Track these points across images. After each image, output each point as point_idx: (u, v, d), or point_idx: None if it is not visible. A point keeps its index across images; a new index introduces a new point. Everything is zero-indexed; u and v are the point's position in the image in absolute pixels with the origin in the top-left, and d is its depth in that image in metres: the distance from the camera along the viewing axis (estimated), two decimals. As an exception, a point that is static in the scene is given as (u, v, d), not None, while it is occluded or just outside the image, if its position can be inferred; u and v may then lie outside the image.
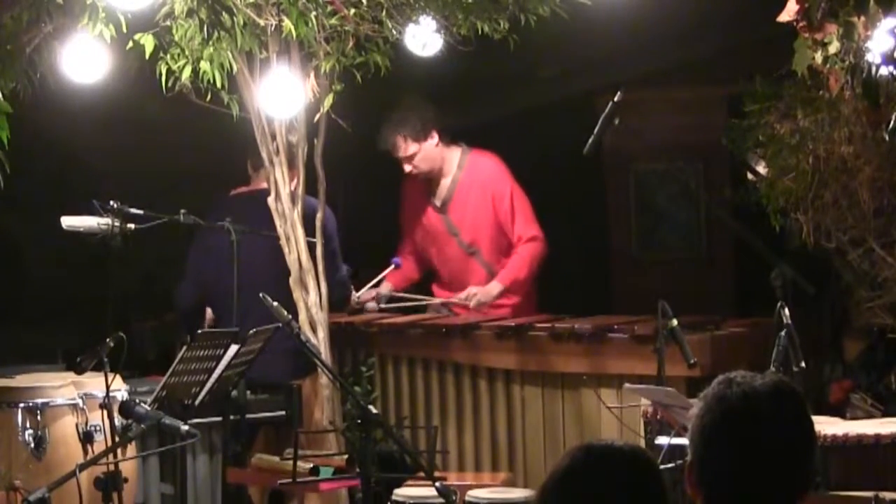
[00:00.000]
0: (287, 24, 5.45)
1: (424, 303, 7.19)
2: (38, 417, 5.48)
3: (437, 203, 7.18)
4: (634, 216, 8.05)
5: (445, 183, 7.15)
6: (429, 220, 7.22)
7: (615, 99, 5.57)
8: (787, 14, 5.48)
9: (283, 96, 5.78)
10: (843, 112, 5.64)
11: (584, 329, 6.35)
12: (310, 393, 6.31)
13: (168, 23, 5.45)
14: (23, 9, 5.26)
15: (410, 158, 7.02)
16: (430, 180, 7.16)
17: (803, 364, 5.01)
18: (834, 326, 6.87)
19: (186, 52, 5.54)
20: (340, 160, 6.41)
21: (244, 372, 5.67)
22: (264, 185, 6.29)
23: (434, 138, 7.02)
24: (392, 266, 7.15)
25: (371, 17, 5.75)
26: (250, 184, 6.55)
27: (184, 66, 5.56)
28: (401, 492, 5.61)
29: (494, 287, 7.03)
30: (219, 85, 5.63)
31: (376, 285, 7.18)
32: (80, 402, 5.57)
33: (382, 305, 7.14)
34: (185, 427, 4.94)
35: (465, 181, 7.12)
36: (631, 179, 8.01)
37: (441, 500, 4.87)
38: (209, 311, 6.55)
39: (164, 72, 5.59)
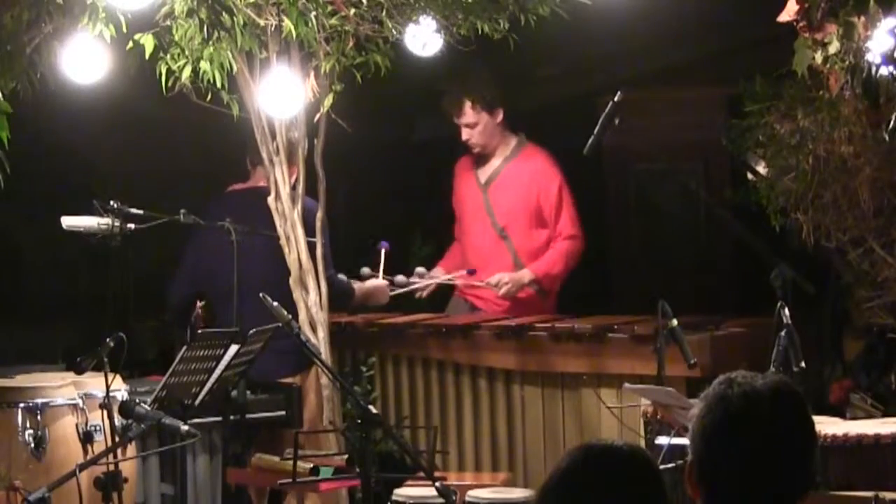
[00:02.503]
0: (287, 24, 5.44)
1: (454, 281, 7.17)
2: (38, 417, 5.48)
3: (482, 179, 7.17)
4: (634, 216, 8.05)
5: (495, 163, 7.14)
6: (470, 194, 7.20)
7: (615, 99, 5.58)
8: (787, 14, 5.48)
9: (283, 96, 5.78)
10: (843, 112, 5.64)
11: (584, 329, 6.35)
12: (306, 388, 6.30)
13: (168, 23, 5.45)
14: (23, 9, 5.26)
15: (472, 126, 7.00)
16: (481, 156, 7.14)
17: (803, 364, 5.01)
18: (834, 326, 6.86)
19: (186, 52, 5.53)
20: (340, 160, 6.41)
21: (244, 372, 5.67)
22: (262, 182, 6.29)
23: (499, 115, 7.03)
24: (465, 272, 7.10)
25: (371, 17, 5.75)
26: (248, 179, 6.54)
27: (184, 66, 5.56)
28: (401, 492, 5.61)
29: (525, 275, 7.01)
30: (219, 85, 5.63)
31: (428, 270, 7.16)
32: (80, 402, 5.57)
33: (413, 280, 7.08)
34: (185, 427, 4.94)
35: (514, 168, 7.11)
36: (631, 179, 8.01)
37: (441, 500, 4.87)
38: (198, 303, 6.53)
39: (164, 72, 5.58)
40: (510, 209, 7.11)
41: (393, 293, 6.96)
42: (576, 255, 7.06)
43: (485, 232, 7.15)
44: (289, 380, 6.21)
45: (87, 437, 5.53)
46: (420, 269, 7.15)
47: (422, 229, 7.95)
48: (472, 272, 7.10)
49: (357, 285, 6.78)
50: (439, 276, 7.19)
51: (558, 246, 7.05)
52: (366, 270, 6.98)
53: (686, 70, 7.76)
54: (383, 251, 6.95)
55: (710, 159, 7.66)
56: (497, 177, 7.14)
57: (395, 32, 5.79)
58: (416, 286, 7.11)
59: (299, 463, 5.16)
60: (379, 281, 6.90)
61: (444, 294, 7.34)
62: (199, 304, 6.49)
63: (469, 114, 6.99)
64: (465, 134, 7.04)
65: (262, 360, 5.73)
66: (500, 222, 7.11)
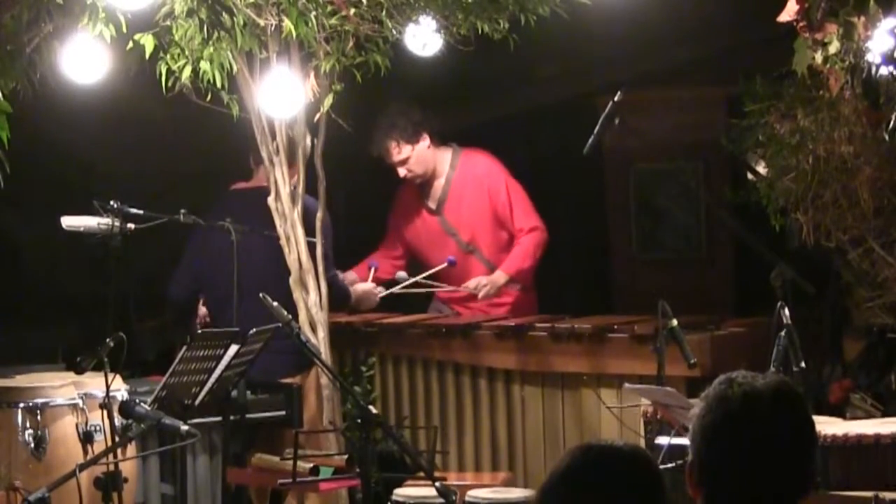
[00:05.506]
0: (287, 24, 5.44)
1: (434, 289, 7.17)
2: (38, 417, 5.48)
3: (432, 205, 7.19)
4: (634, 216, 8.05)
5: (439, 184, 7.16)
6: (424, 224, 7.22)
7: (615, 99, 5.59)
8: (787, 14, 5.48)
9: (283, 96, 5.78)
10: (843, 112, 5.64)
11: (584, 329, 6.35)
12: (306, 388, 6.30)
13: (168, 23, 5.44)
14: (23, 9, 5.26)
15: (404, 162, 7.02)
16: (423, 184, 7.16)
17: (803, 364, 5.01)
18: (834, 326, 6.86)
19: (186, 52, 5.53)
20: (340, 160, 6.41)
21: (244, 372, 5.67)
22: (266, 181, 6.29)
23: (425, 140, 7.03)
24: (446, 264, 7.13)
25: (371, 17, 5.74)
26: (251, 178, 6.54)
27: (184, 66, 5.56)
28: (401, 492, 5.61)
29: (500, 277, 7.04)
30: (219, 85, 5.63)
31: (428, 278, 7.16)
32: (80, 402, 5.57)
33: (395, 290, 7.10)
34: (185, 427, 4.94)
35: (458, 180, 7.13)
36: (631, 179, 8.01)
37: (441, 500, 4.87)
38: (202, 309, 6.54)
39: (164, 72, 5.58)
40: (471, 222, 7.13)
41: (382, 294, 7.00)
42: (542, 246, 7.07)
43: (451, 252, 7.15)
44: (289, 379, 6.21)
45: (87, 437, 5.53)
46: (401, 274, 7.15)
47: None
48: (452, 262, 7.11)
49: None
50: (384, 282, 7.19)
51: (524, 241, 7.06)
52: (351, 275, 7.04)
53: (686, 70, 7.76)
54: (373, 270, 7.01)
55: (710, 159, 7.66)
56: (447, 197, 7.15)
57: (395, 32, 5.79)
58: (404, 284, 7.11)
59: (299, 463, 5.16)
60: (367, 284, 6.93)
61: (424, 298, 7.34)
62: (202, 312, 6.50)
63: (396, 153, 7.01)
64: (401, 172, 7.06)
65: (262, 359, 5.73)
66: (464, 239, 7.13)
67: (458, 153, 7.17)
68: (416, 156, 7.02)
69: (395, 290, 7.07)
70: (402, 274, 7.13)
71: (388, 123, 6.98)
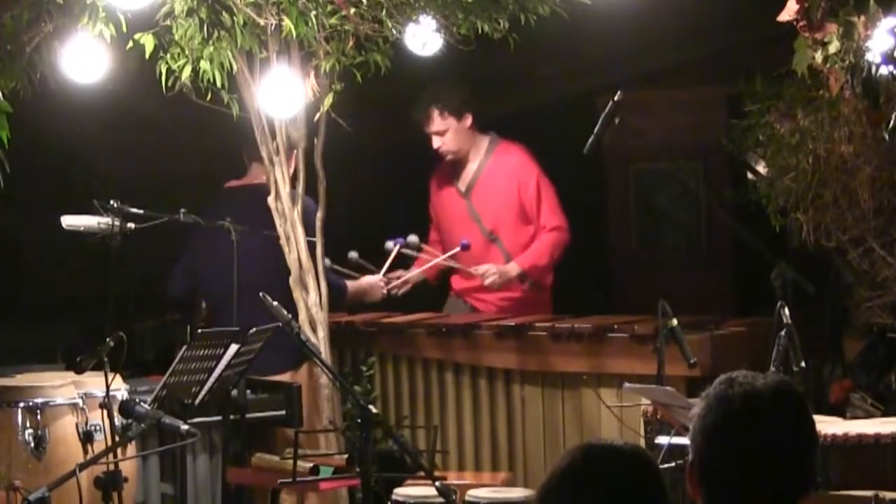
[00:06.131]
0: (287, 23, 5.45)
1: (443, 265, 7.14)
2: (38, 417, 5.48)
3: (462, 188, 7.18)
4: (634, 216, 8.05)
5: (471, 168, 7.15)
6: (451, 205, 7.21)
7: (615, 98, 5.58)
8: (787, 14, 5.48)
9: (283, 96, 5.78)
10: (843, 112, 5.64)
11: (584, 329, 6.35)
12: (303, 384, 6.29)
13: (168, 22, 5.45)
14: (23, 9, 5.26)
15: (441, 133, 7.00)
16: (456, 166, 7.15)
17: (803, 364, 5.01)
18: (834, 326, 6.86)
19: (186, 52, 5.54)
20: (340, 160, 6.41)
21: (244, 371, 5.67)
22: (258, 179, 6.29)
23: (468, 120, 7.03)
24: (459, 248, 7.11)
25: (371, 16, 5.75)
26: (245, 175, 6.53)
27: (184, 66, 5.56)
28: (401, 492, 5.61)
29: (513, 268, 7.02)
30: (219, 84, 5.63)
31: (447, 259, 7.14)
32: (80, 401, 5.57)
33: (409, 277, 7.07)
34: (185, 427, 4.94)
35: (491, 168, 7.12)
36: (631, 179, 8.02)
37: (441, 499, 4.87)
38: (204, 305, 6.54)
39: (164, 71, 5.59)
40: (495, 211, 7.12)
41: (393, 285, 6.97)
42: (561, 246, 7.07)
43: (474, 238, 7.14)
44: (281, 376, 6.21)
45: (87, 437, 5.54)
46: (412, 238, 7.11)
47: (422, 229, 7.95)
48: (465, 246, 7.09)
49: (350, 283, 6.79)
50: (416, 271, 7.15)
51: (543, 238, 7.06)
52: (353, 255, 6.98)
53: (686, 70, 7.76)
54: (395, 251, 6.96)
55: (710, 159, 7.66)
56: (476, 182, 7.15)
57: (394, 32, 5.79)
58: (412, 273, 7.09)
59: (299, 463, 5.16)
60: (373, 278, 6.91)
61: (440, 293, 7.33)
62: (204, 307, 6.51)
63: (437, 122, 7.00)
64: (436, 142, 7.05)
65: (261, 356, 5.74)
66: (487, 226, 7.12)
67: (496, 142, 7.16)
68: (454, 131, 7.01)
69: (409, 276, 7.02)
70: (412, 238, 7.08)
71: (438, 91, 6.97)
